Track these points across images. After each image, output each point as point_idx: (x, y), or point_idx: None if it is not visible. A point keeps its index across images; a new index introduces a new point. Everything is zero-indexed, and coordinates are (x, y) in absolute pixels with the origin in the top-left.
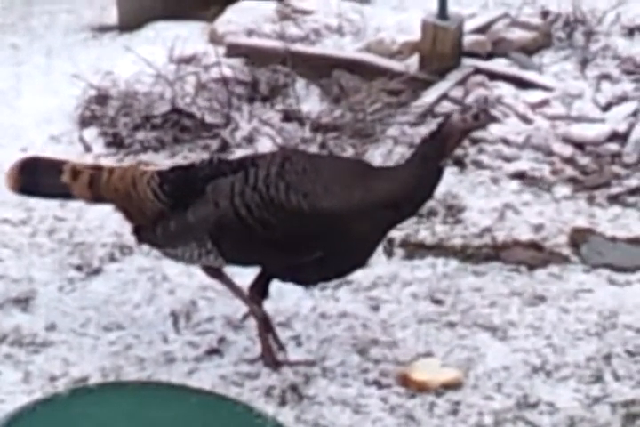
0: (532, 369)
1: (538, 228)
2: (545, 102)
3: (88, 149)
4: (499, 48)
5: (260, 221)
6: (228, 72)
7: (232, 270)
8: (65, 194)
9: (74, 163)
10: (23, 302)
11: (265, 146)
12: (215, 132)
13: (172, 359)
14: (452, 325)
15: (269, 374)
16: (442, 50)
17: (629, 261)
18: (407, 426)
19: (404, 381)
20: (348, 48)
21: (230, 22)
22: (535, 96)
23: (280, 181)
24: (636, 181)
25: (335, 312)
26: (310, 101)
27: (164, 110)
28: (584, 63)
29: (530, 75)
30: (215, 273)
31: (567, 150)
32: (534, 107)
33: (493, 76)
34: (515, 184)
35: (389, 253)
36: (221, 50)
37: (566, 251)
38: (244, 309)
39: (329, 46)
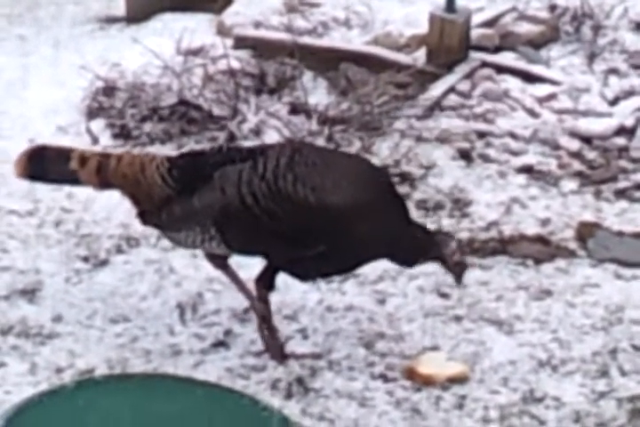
0: (538, 363)
1: (544, 222)
2: (552, 96)
3: (95, 140)
4: (506, 42)
5: (265, 211)
6: (235, 64)
7: (240, 262)
8: (72, 180)
9: (82, 150)
10: (30, 294)
11: (272, 138)
12: (222, 124)
13: (178, 352)
14: (458, 318)
15: (275, 366)
16: (449, 43)
17: (636, 255)
18: (413, 420)
19: (410, 374)
20: (355, 41)
21: (238, 14)
22: (542, 90)
23: (289, 173)
24: None
25: (341, 305)
26: (317, 94)
27: (171, 102)
28: (591, 57)
29: (537, 68)
30: (220, 264)
31: (574, 144)
32: (541, 101)
33: (501, 69)
34: (521, 178)
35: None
36: (229, 42)
37: (573, 245)
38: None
39: (336, 39)
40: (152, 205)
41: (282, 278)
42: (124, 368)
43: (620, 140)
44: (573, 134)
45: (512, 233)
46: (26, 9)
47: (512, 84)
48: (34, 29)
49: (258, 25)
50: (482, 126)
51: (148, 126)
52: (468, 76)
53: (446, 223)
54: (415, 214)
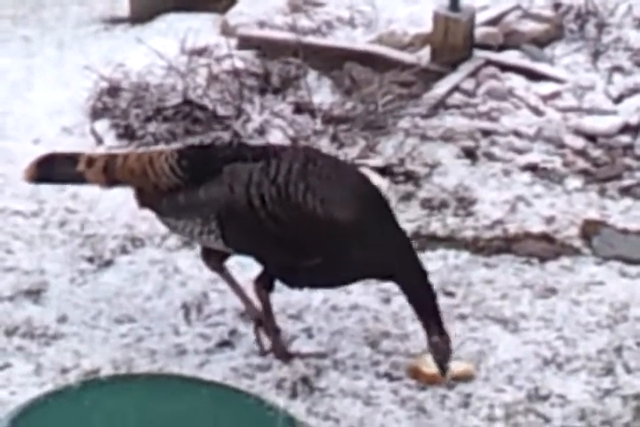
0: (543, 361)
1: (549, 220)
2: (557, 94)
3: (100, 140)
4: (510, 40)
5: (270, 215)
6: (239, 64)
7: (243, 262)
8: (79, 180)
9: (90, 153)
10: (34, 294)
11: (276, 138)
12: (227, 123)
13: (183, 351)
14: (463, 317)
15: (280, 366)
16: (453, 42)
17: None
18: (418, 418)
19: (415, 374)
20: (359, 40)
21: (242, 14)
22: (547, 88)
23: (301, 181)
24: None
25: (346, 304)
26: (322, 93)
27: (175, 102)
28: (596, 55)
29: (541, 67)
30: (217, 267)
31: (579, 142)
32: (546, 99)
33: (505, 67)
34: (526, 176)
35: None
36: (233, 42)
37: (578, 243)
38: (256, 302)
39: (340, 38)
40: (157, 195)
41: None
42: (130, 368)
43: (625, 138)
44: (578, 132)
45: (517, 231)
46: (30, 10)
47: (516, 82)
48: (38, 30)
49: (262, 25)
50: (486, 125)
51: (152, 126)
52: (473, 74)
53: (451, 222)
54: (420, 213)
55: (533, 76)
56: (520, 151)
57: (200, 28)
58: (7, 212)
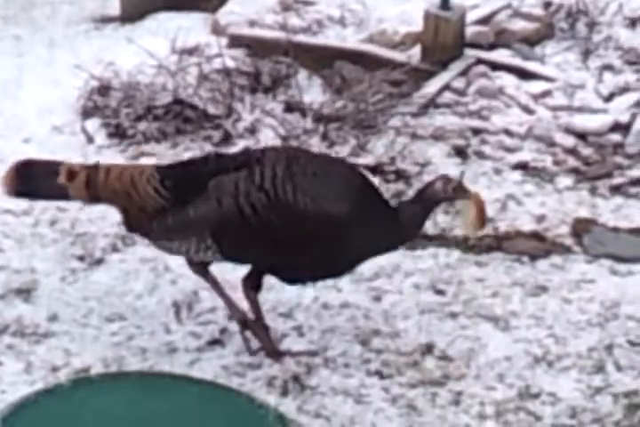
0: (534, 359)
1: (540, 218)
2: (547, 93)
3: (90, 139)
4: (501, 39)
5: (264, 222)
6: (230, 63)
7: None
8: (62, 195)
9: (70, 163)
10: (25, 293)
11: (267, 136)
12: (217, 122)
13: (173, 350)
14: (454, 315)
15: (271, 364)
16: (444, 40)
17: (631, 251)
18: (409, 416)
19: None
20: (350, 39)
21: (233, 13)
22: (537, 87)
23: (288, 183)
24: (638, 172)
25: (337, 303)
26: (312, 92)
27: (166, 101)
28: (586, 54)
29: (532, 65)
30: (200, 271)
31: (569, 141)
32: (536, 97)
33: (495, 66)
34: (517, 175)
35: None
36: (224, 41)
37: (568, 241)
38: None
39: (331, 37)
40: (143, 217)
41: None
42: (120, 367)
43: (615, 137)
44: (568, 131)
45: (508, 229)
46: (21, 9)
47: (507, 81)
48: (29, 29)
49: (252, 24)
50: (477, 123)
51: (143, 125)
52: (463, 73)
53: (442, 220)
54: None
55: (524, 74)
56: (510, 150)
57: (191, 27)
58: None
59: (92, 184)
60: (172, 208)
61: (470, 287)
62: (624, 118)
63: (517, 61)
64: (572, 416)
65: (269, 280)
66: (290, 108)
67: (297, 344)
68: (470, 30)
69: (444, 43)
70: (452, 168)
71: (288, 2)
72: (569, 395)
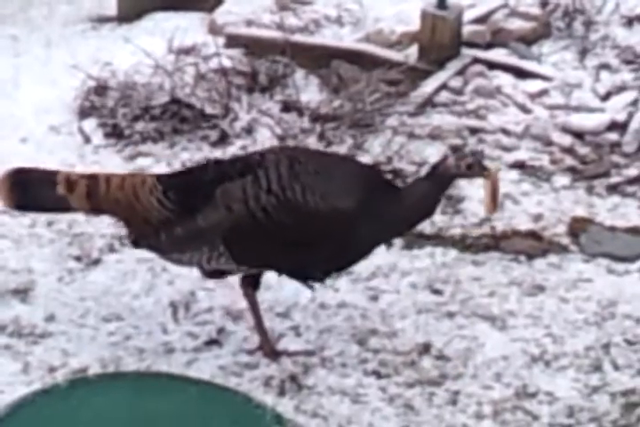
0: (531, 359)
1: (537, 217)
2: (544, 92)
3: (87, 139)
4: (498, 38)
5: (276, 224)
6: (227, 63)
7: None
8: (63, 207)
9: (66, 172)
10: (22, 293)
11: (264, 136)
12: (214, 122)
13: (171, 350)
14: (451, 315)
15: (268, 364)
16: (441, 40)
17: (628, 250)
18: (406, 416)
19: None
20: (347, 38)
21: (230, 13)
22: (534, 86)
23: (295, 183)
24: (635, 171)
25: (334, 302)
26: (309, 92)
27: (163, 101)
28: (583, 53)
29: (529, 64)
30: (250, 293)
31: (566, 140)
32: (533, 96)
33: (492, 65)
34: (514, 174)
35: (388, 244)
36: (221, 40)
37: (565, 240)
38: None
39: (328, 36)
40: (148, 229)
41: (274, 276)
42: (118, 367)
43: (612, 136)
44: (565, 130)
45: (505, 229)
46: (18, 9)
47: (504, 80)
48: (26, 29)
49: (249, 23)
50: (474, 123)
51: (139, 125)
52: (460, 72)
53: (439, 219)
54: None
55: (521, 73)
56: (507, 149)
57: (188, 26)
58: None
59: (94, 195)
60: (178, 219)
61: (467, 287)
62: (621, 117)
63: (514, 60)
64: (569, 415)
65: (267, 280)
66: (287, 107)
67: (294, 344)
68: (467, 29)
69: (440, 42)
70: None
71: (285, 1)
72: (566, 394)
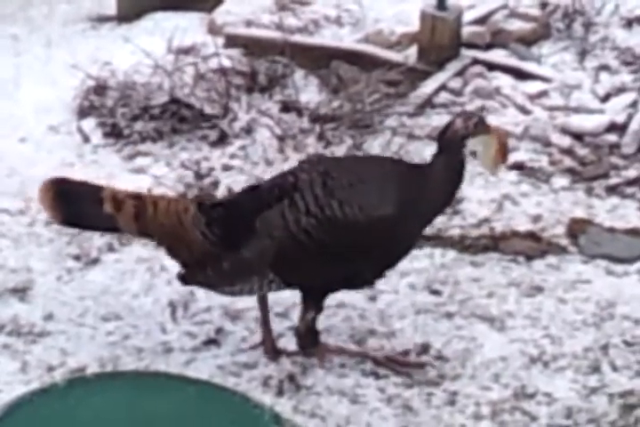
0: (530, 360)
1: (536, 218)
2: (543, 93)
3: (86, 139)
4: (497, 39)
5: (320, 242)
6: (226, 63)
7: None
8: (112, 227)
9: (111, 190)
10: (21, 292)
11: (263, 136)
12: (213, 122)
13: (169, 349)
14: (449, 315)
15: (267, 364)
16: (440, 41)
17: (627, 251)
18: (404, 416)
19: None
20: (346, 39)
21: (229, 13)
22: (534, 87)
23: (332, 200)
24: (634, 172)
25: (333, 303)
26: (309, 92)
27: (162, 101)
28: (583, 54)
29: (528, 66)
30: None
31: (565, 141)
32: (533, 98)
33: (492, 66)
34: (513, 175)
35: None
36: (220, 40)
37: (564, 241)
38: (243, 299)
39: (327, 37)
40: (191, 258)
41: None
42: (116, 366)
43: (612, 137)
44: (565, 131)
45: (503, 230)
46: (18, 8)
47: (503, 81)
48: (26, 29)
49: (249, 23)
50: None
51: (139, 125)
52: (460, 73)
53: (438, 220)
54: None
55: (520, 75)
56: None
57: (187, 26)
58: None
59: (142, 217)
60: (222, 253)
61: (466, 287)
62: (620, 119)
63: (514, 62)
64: (567, 416)
65: None
66: (286, 107)
67: (292, 344)
68: (467, 30)
69: (440, 43)
70: None
71: (284, 2)
72: (564, 395)
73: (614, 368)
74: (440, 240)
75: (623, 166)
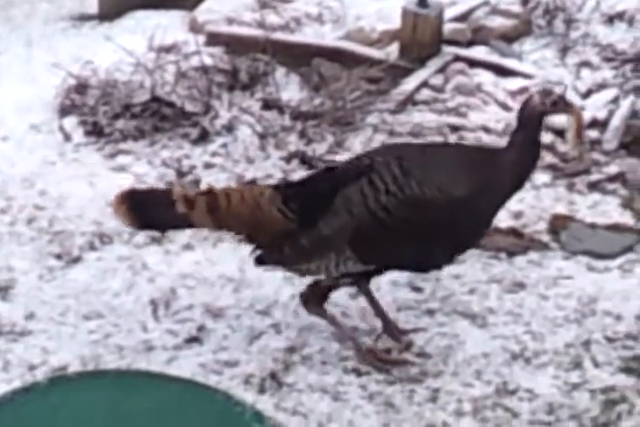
0: (512, 356)
1: (517, 215)
2: (525, 90)
3: (68, 137)
4: (479, 36)
5: (399, 220)
6: (207, 61)
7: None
8: (187, 224)
9: (180, 191)
10: (2, 291)
11: (245, 134)
12: (195, 120)
13: (151, 348)
14: (431, 312)
15: (248, 361)
16: (422, 38)
17: (608, 247)
18: (386, 413)
19: None
20: (327, 36)
21: (210, 11)
22: (515, 84)
23: (411, 180)
24: (615, 168)
25: None
26: (290, 90)
27: (143, 99)
28: (564, 51)
29: (510, 62)
30: (316, 310)
31: (547, 137)
32: (514, 94)
33: (473, 63)
34: None
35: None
36: (201, 38)
37: (546, 238)
38: (225, 297)
39: (309, 34)
40: (269, 240)
41: (255, 273)
42: (98, 365)
43: (593, 133)
44: (546, 127)
45: None
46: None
47: (485, 77)
48: (7, 28)
49: (230, 21)
50: (455, 120)
51: (120, 123)
52: (441, 70)
53: None
54: None
55: (502, 71)
56: None
57: (168, 24)
58: None
59: (215, 211)
60: (300, 230)
61: (447, 284)
62: (601, 115)
63: (495, 58)
64: (549, 413)
65: (247, 278)
66: (267, 105)
67: (274, 342)
68: (448, 27)
69: (421, 40)
70: None
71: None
72: (546, 391)
73: (596, 364)
74: None
75: (604, 163)
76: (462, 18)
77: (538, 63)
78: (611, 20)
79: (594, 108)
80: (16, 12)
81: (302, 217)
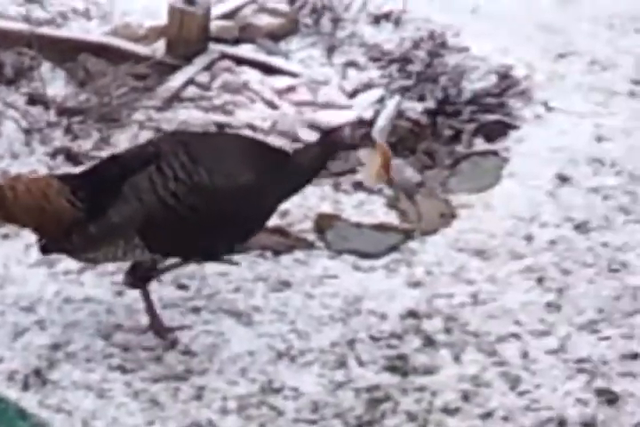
0: (277, 354)
1: (283, 213)
2: (291, 88)
3: None
4: (246, 34)
5: (188, 207)
6: None
7: None
8: None
9: None
10: None
11: (9, 129)
12: None
13: None
14: (196, 310)
15: (12, 358)
16: (188, 35)
17: (374, 246)
18: (151, 411)
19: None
20: (94, 32)
21: None
22: (282, 82)
23: (199, 167)
24: None
25: (79, 297)
26: (56, 85)
27: None
28: (331, 50)
29: (276, 61)
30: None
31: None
32: (281, 93)
33: (240, 61)
34: None
35: None
36: None
37: (311, 237)
38: None
39: (75, 30)
40: (59, 231)
41: (19, 271)
42: None
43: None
44: (312, 126)
45: None
46: None
47: (251, 75)
48: None
49: None
50: (221, 118)
51: None
52: (208, 67)
53: None
54: None
55: (268, 70)
56: None
57: None
58: None
59: (2, 205)
60: (89, 218)
61: (213, 282)
62: (368, 115)
63: (262, 57)
64: (313, 411)
65: (11, 274)
66: (33, 100)
67: (38, 338)
68: (215, 25)
69: (188, 37)
70: None
71: None
72: (311, 389)
73: (360, 363)
74: None
75: None
76: (229, 15)
77: (304, 62)
78: (377, 20)
79: (360, 107)
80: None
81: (91, 205)
